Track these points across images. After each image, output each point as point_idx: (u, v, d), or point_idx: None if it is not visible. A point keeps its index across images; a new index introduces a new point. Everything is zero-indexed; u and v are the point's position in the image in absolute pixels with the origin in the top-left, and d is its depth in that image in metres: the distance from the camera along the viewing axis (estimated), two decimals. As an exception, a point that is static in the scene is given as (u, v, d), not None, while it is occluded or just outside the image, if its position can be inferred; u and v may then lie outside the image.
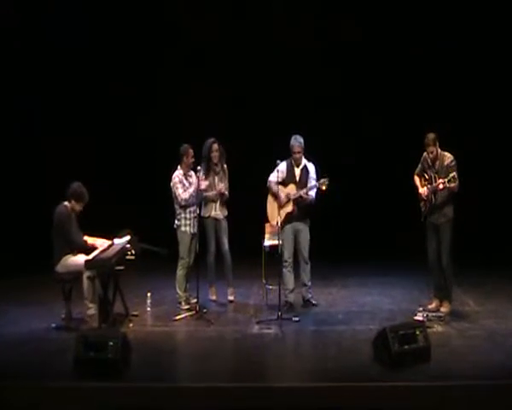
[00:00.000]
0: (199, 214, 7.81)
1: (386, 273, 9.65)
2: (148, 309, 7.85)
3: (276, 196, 7.71)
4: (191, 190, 7.85)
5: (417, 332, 5.94)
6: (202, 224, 7.87)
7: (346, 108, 10.50)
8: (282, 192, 7.71)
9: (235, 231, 8.17)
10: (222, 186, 7.98)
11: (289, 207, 7.69)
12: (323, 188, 7.51)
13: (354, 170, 10.68)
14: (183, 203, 7.84)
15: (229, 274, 8.14)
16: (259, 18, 10.11)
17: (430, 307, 7.54)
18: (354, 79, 10.45)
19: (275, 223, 7.60)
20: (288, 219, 7.68)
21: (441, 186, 7.22)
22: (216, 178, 8.05)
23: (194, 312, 7.52)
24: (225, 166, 8.11)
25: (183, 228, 7.90)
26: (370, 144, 10.57)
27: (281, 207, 7.62)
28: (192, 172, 7.99)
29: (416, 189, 7.54)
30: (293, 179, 7.74)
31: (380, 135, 10.43)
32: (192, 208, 7.89)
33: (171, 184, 7.89)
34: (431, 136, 7.33)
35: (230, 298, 8.15)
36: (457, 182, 7.19)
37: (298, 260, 7.85)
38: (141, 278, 9.21)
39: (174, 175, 7.91)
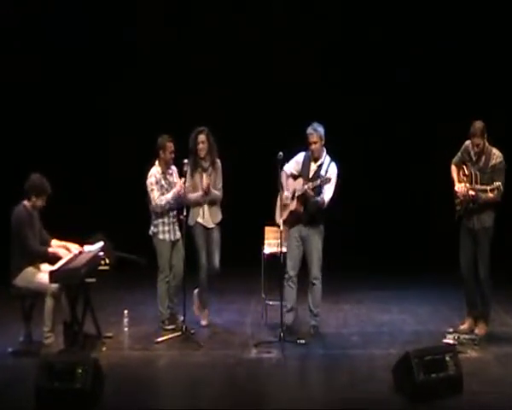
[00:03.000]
0: (182, 218, 7.63)
1: (409, 287, 9.69)
2: (125, 329, 7.85)
3: (282, 184, 7.66)
4: (170, 195, 7.79)
5: (447, 358, 5.93)
6: (190, 233, 7.80)
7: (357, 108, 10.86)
8: (290, 186, 7.65)
9: (231, 236, 8.22)
10: (206, 183, 7.81)
11: (293, 205, 7.57)
12: (322, 184, 7.41)
13: (370, 172, 10.97)
14: (158, 210, 7.81)
15: (207, 294, 8.05)
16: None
17: (462, 327, 7.54)
18: (363, 77, 10.84)
19: (277, 221, 7.58)
20: (294, 220, 7.57)
21: (472, 193, 7.19)
22: (204, 176, 7.92)
23: (179, 333, 7.51)
24: (218, 160, 7.98)
25: (160, 236, 7.86)
26: (388, 146, 10.92)
27: (286, 203, 7.59)
28: (173, 169, 7.97)
29: (452, 181, 7.47)
30: (307, 175, 7.61)
31: (402, 136, 10.82)
32: (171, 213, 7.88)
33: (146, 183, 7.82)
34: (478, 125, 7.22)
35: (204, 322, 8.04)
36: (500, 190, 7.10)
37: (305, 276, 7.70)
38: (116, 292, 9.27)
39: (150, 173, 7.85)
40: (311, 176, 7.57)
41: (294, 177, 7.67)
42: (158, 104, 10.60)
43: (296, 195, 7.54)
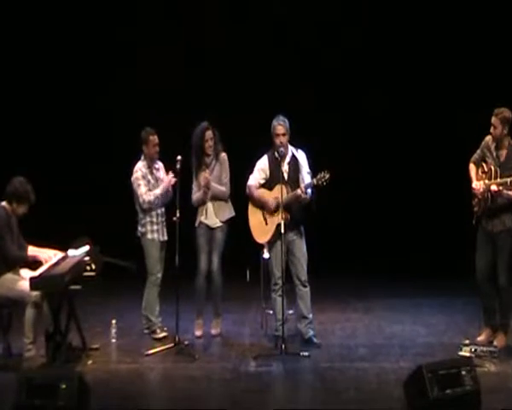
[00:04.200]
0: (176, 219, 7.65)
1: (422, 295, 9.70)
2: (113, 341, 7.86)
3: (259, 206, 7.66)
4: (158, 190, 7.87)
5: (463, 372, 5.87)
6: (194, 234, 7.93)
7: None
8: (268, 197, 7.62)
9: (228, 240, 8.20)
10: (204, 177, 7.83)
11: (280, 217, 7.48)
12: (320, 183, 7.38)
13: (375, 167, 11.14)
14: (145, 206, 7.87)
15: (217, 300, 8.11)
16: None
17: (480, 339, 7.52)
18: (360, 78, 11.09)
19: (264, 241, 7.65)
20: (278, 229, 7.50)
21: (495, 188, 7.17)
22: (207, 172, 7.97)
23: (172, 344, 7.52)
24: (223, 154, 8.02)
25: (149, 235, 7.92)
26: (396, 144, 11.09)
27: (269, 217, 7.59)
28: (160, 164, 8.06)
29: (470, 181, 7.46)
30: (280, 177, 7.52)
31: (403, 129, 11.04)
32: (160, 210, 7.96)
33: (132, 179, 7.92)
34: (502, 114, 7.17)
35: (214, 332, 8.10)
36: None
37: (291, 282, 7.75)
38: (103, 300, 9.29)
39: (136, 168, 7.94)
40: (287, 177, 7.57)
41: (263, 186, 7.67)
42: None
43: (283, 204, 7.46)
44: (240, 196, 7.94)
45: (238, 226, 7.91)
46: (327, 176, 7.37)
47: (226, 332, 8.22)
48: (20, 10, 10.78)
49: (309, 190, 7.54)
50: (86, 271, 7.36)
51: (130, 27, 10.92)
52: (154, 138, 7.92)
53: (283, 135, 7.57)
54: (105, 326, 8.07)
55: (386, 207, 11.11)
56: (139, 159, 8.01)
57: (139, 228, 7.97)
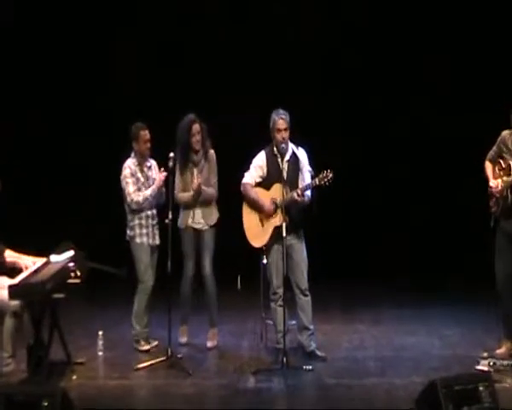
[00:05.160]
0: (168, 222, 7.63)
1: (436, 303, 9.75)
2: (100, 354, 7.86)
3: (255, 206, 7.66)
4: (149, 191, 7.89)
5: (481, 388, 5.84)
6: (179, 237, 7.91)
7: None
8: (265, 198, 7.62)
9: (224, 244, 8.26)
10: (196, 181, 7.84)
11: (277, 219, 7.52)
12: (322, 183, 7.37)
13: (381, 167, 11.35)
14: (133, 207, 7.90)
15: (213, 308, 8.11)
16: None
17: (499, 352, 7.51)
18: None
19: (259, 245, 7.65)
20: (276, 234, 7.54)
21: None
22: (195, 171, 7.97)
23: (164, 358, 7.51)
24: (211, 151, 8.03)
25: (137, 239, 7.95)
26: (402, 141, 11.35)
27: (266, 219, 7.60)
28: (152, 163, 8.06)
29: (487, 180, 7.51)
30: (279, 177, 7.55)
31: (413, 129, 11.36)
32: (150, 212, 7.98)
33: (121, 177, 7.94)
34: None
35: (209, 344, 8.10)
36: None
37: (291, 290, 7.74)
38: (89, 310, 9.33)
39: (125, 165, 7.96)
40: (286, 176, 7.54)
41: (259, 185, 7.67)
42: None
43: (280, 206, 7.48)
44: (236, 195, 7.89)
45: (235, 228, 7.91)
46: (330, 175, 7.36)
47: (223, 345, 8.20)
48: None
49: (308, 192, 7.54)
50: (70, 278, 7.31)
51: (129, 27, 11.20)
52: (145, 134, 7.93)
53: (285, 130, 7.55)
54: (91, 338, 8.07)
55: (394, 208, 11.23)
56: (129, 156, 8.02)
57: (128, 231, 8.00)
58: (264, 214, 7.62)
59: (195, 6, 11.09)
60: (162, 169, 7.89)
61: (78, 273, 7.35)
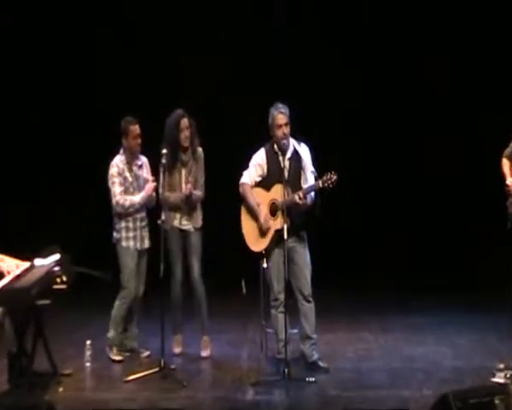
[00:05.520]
0: (160, 223, 7.68)
1: (447, 310, 9.77)
2: (87, 365, 7.83)
3: (253, 209, 7.63)
4: (137, 198, 7.87)
5: (497, 401, 5.81)
6: (164, 238, 7.82)
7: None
8: (264, 204, 7.57)
9: (222, 247, 8.57)
10: (189, 186, 7.86)
11: (278, 222, 7.48)
12: (325, 186, 7.28)
13: (389, 168, 11.57)
14: (118, 210, 7.91)
15: (203, 314, 8.09)
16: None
17: (516, 362, 7.47)
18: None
19: (259, 249, 7.62)
20: (277, 237, 7.51)
21: None
22: (183, 172, 7.96)
23: (157, 369, 7.48)
24: (200, 149, 8.03)
25: (123, 243, 7.95)
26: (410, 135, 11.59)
27: (265, 224, 7.56)
28: (143, 160, 8.04)
29: (503, 178, 7.56)
30: (280, 176, 7.48)
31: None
32: (138, 215, 7.98)
33: (108, 175, 7.93)
34: None
35: (204, 354, 8.10)
36: None
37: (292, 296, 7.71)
38: (76, 317, 9.34)
39: (113, 162, 7.93)
40: (287, 176, 7.47)
41: (258, 185, 7.64)
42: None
43: (281, 208, 7.43)
44: (234, 196, 7.89)
45: (232, 231, 7.92)
46: (334, 178, 7.26)
47: (220, 354, 8.19)
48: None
49: (311, 194, 7.50)
50: (56, 283, 7.27)
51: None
52: (135, 128, 7.88)
53: (286, 125, 7.49)
54: (78, 348, 8.06)
55: (403, 210, 11.36)
56: (118, 152, 7.99)
57: (114, 234, 8.01)
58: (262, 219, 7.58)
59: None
60: (153, 178, 7.86)
61: (65, 278, 7.30)
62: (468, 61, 11.29)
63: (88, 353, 7.83)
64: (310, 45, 11.40)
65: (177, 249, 8.00)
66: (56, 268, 7.29)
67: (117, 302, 7.97)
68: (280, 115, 7.49)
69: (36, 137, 11.29)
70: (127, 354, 8.04)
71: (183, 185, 7.90)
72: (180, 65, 11.22)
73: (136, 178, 7.95)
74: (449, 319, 9.38)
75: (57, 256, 7.38)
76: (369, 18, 11.46)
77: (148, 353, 8.04)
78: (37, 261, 7.31)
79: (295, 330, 7.76)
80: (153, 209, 8.04)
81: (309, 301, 7.60)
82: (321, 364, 7.62)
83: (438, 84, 11.29)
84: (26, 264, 7.25)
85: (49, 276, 7.23)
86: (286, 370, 7.22)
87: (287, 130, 7.49)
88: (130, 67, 11.31)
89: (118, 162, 7.90)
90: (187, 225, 8.01)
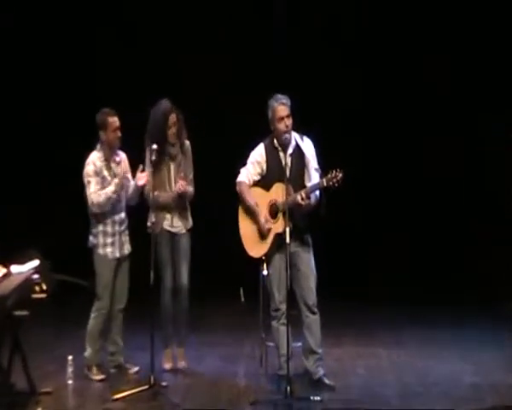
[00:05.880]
0: (150, 225, 7.69)
1: (466, 323, 9.74)
2: (69, 382, 7.70)
3: (251, 210, 7.51)
4: (111, 187, 7.70)
5: (522, 422, 5.78)
6: (153, 241, 7.81)
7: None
8: (263, 205, 7.46)
9: (217, 253, 8.59)
10: (182, 183, 7.82)
11: (279, 224, 7.33)
12: (330, 185, 7.17)
13: (388, 166, 11.72)
14: (94, 210, 7.77)
15: (184, 325, 8.07)
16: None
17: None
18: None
19: (258, 255, 7.51)
20: (278, 240, 7.38)
21: None
22: (172, 167, 7.92)
23: (146, 386, 7.39)
24: (187, 142, 8.01)
25: (100, 250, 7.86)
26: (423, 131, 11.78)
27: (265, 225, 7.45)
28: (122, 156, 7.94)
29: None
30: (281, 174, 7.34)
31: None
32: (117, 217, 7.83)
33: (83, 173, 7.81)
34: None
35: (181, 365, 8.08)
36: None
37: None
38: (57, 330, 9.34)
39: (89, 160, 7.82)
40: (289, 173, 7.37)
41: (257, 184, 7.54)
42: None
43: (283, 209, 7.29)
44: (234, 196, 7.80)
45: (232, 234, 7.82)
46: (339, 175, 7.15)
47: (215, 370, 8.15)
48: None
49: (316, 193, 7.40)
50: (35, 292, 7.22)
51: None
52: (114, 121, 7.76)
53: (288, 117, 7.37)
54: (59, 364, 7.96)
55: (404, 211, 11.48)
56: (94, 148, 7.89)
57: (90, 238, 7.92)
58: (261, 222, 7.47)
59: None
60: (141, 167, 7.74)
61: (44, 287, 7.26)
62: (469, 60, 11.46)
63: (70, 369, 7.69)
64: (310, 45, 11.54)
65: (167, 254, 7.96)
66: (35, 276, 7.22)
67: (91, 316, 7.89)
68: (281, 107, 7.38)
69: (35, 136, 11.44)
70: (113, 370, 7.95)
71: (173, 182, 7.86)
72: (180, 65, 11.38)
73: (115, 176, 7.80)
74: (467, 333, 9.34)
75: (36, 262, 7.28)
76: (369, 18, 11.65)
77: (136, 368, 7.93)
78: (14, 268, 7.27)
79: (299, 344, 7.62)
80: (139, 211, 7.95)
81: (314, 313, 7.48)
82: (327, 381, 7.47)
83: (438, 84, 11.50)
84: (2, 270, 7.19)
85: (28, 284, 7.17)
86: (288, 388, 7.09)
87: (289, 122, 7.37)
88: (131, 67, 11.49)
89: (95, 160, 7.77)
90: (178, 226, 7.96)
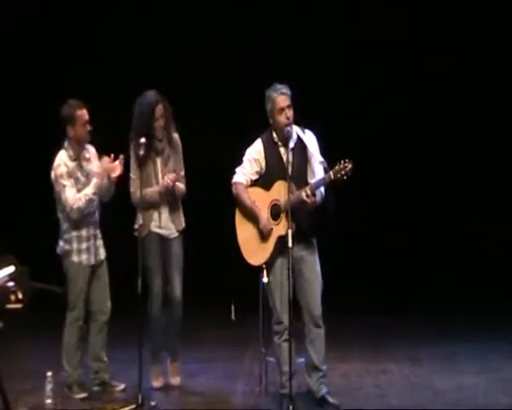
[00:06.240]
0: (137, 228, 7.59)
1: (489, 337, 9.61)
2: (48, 401, 7.42)
3: (250, 215, 7.36)
4: (90, 189, 7.53)
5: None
6: (140, 245, 7.72)
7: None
8: (263, 205, 7.32)
9: (213, 259, 8.50)
10: (168, 176, 7.69)
11: (281, 226, 7.15)
12: (339, 177, 6.96)
13: (388, 165, 11.89)
14: (74, 216, 7.56)
15: (176, 338, 7.98)
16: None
17: None
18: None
19: (258, 262, 7.33)
20: (280, 244, 7.18)
21: None
22: (158, 162, 7.80)
23: (133, 406, 7.30)
24: (176, 135, 7.88)
25: (74, 257, 7.69)
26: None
27: (266, 226, 7.28)
28: (91, 151, 7.75)
29: None
30: (281, 170, 7.16)
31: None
32: (92, 219, 7.68)
33: (52, 177, 7.62)
34: None
35: (174, 381, 7.98)
36: None
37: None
38: (35, 343, 9.36)
39: (57, 162, 7.60)
40: (291, 170, 7.20)
41: (255, 183, 7.41)
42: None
43: (285, 209, 7.12)
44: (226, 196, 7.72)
45: (227, 238, 7.67)
46: (348, 167, 6.95)
47: (210, 388, 8.03)
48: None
49: (321, 190, 7.23)
50: (9, 301, 6.99)
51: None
52: (83, 114, 7.57)
53: (289, 108, 7.20)
54: (37, 381, 7.78)
55: (404, 212, 11.68)
56: (61, 147, 7.70)
57: (61, 244, 7.71)
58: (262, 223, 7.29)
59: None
60: (122, 157, 7.55)
61: (20, 295, 7.03)
62: (469, 60, 11.65)
63: (49, 387, 7.38)
64: (310, 45, 11.65)
65: (156, 260, 7.85)
66: (10, 283, 7.02)
67: (65, 329, 7.74)
68: (281, 97, 7.22)
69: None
70: (96, 388, 7.80)
71: (161, 178, 7.74)
72: (180, 65, 11.48)
73: (88, 175, 7.60)
74: (490, 348, 9.19)
75: (11, 269, 7.09)
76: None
77: (123, 386, 7.78)
78: (-13, 275, 7.34)
79: (301, 360, 7.44)
80: (124, 210, 7.85)
81: (318, 326, 7.30)
82: (330, 399, 7.28)
83: (437, 85, 11.78)
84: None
85: (1, 292, 6.97)
86: (291, 407, 6.92)
87: (290, 113, 7.19)
88: (131, 67, 11.56)
89: (65, 160, 7.54)
90: (168, 228, 7.84)
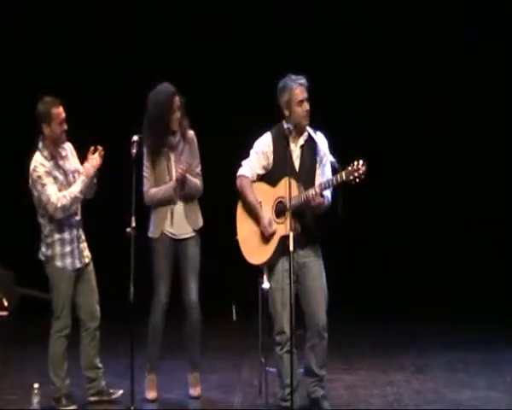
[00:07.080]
0: (130, 230, 7.53)
1: (501, 345, 9.75)
2: None
3: (252, 208, 7.42)
4: (76, 187, 7.57)
5: None
6: (150, 248, 7.89)
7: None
8: (267, 204, 7.38)
9: (212, 263, 8.42)
10: (181, 168, 7.72)
11: (284, 227, 7.17)
12: (351, 179, 7.00)
13: (388, 165, 12.01)
14: (59, 216, 7.55)
15: (195, 347, 8.00)
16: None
17: None
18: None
19: (259, 262, 7.36)
20: (283, 245, 7.18)
21: None
22: (172, 157, 7.87)
23: None
24: (191, 132, 7.94)
25: (58, 262, 7.68)
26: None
27: (267, 228, 7.32)
28: (67, 149, 7.77)
29: None
30: (289, 167, 7.16)
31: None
32: (74, 220, 7.69)
33: (30, 181, 7.60)
34: None
35: (193, 392, 7.98)
36: None
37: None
38: (21, 352, 9.37)
39: (35, 164, 7.59)
40: (298, 167, 7.30)
41: (261, 179, 7.45)
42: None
43: (290, 209, 7.10)
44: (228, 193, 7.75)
45: (226, 240, 7.77)
46: (362, 169, 6.98)
47: (208, 400, 8.05)
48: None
49: (328, 192, 7.26)
50: None
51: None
52: (60, 111, 7.58)
53: (307, 100, 7.27)
54: (23, 392, 7.89)
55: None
56: (36, 148, 7.70)
57: (43, 249, 7.70)
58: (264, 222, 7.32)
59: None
60: (93, 149, 7.61)
61: (5, 302, 7.55)
62: (469, 60, 11.96)
63: (36, 399, 7.46)
64: (311, 45, 11.92)
65: (166, 264, 7.86)
66: None
67: (52, 340, 7.72)
68: (300, 88, 7.28)
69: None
70: (93, 398, 7.81)
71: (174, 174, 7.81)
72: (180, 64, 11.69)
73: (66, 174, 7.64)
74: (503, 357, 9.30)
75: None
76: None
77: (121, 392, 7.82)
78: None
79: (302, 370, 7.48)
80: (121, 211, 7.86)
81: (322, 337, 7.29)
82: (324, 405, 7.33)
83: (437, 85, 12.22)
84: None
85: None
86: None
87: (308, 106, 7.26)
88: (131, 67, 11.82)
89: (42, 161, 7.55)
90: (182, 227, 7.86)
